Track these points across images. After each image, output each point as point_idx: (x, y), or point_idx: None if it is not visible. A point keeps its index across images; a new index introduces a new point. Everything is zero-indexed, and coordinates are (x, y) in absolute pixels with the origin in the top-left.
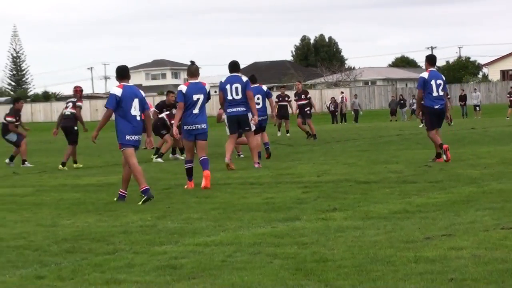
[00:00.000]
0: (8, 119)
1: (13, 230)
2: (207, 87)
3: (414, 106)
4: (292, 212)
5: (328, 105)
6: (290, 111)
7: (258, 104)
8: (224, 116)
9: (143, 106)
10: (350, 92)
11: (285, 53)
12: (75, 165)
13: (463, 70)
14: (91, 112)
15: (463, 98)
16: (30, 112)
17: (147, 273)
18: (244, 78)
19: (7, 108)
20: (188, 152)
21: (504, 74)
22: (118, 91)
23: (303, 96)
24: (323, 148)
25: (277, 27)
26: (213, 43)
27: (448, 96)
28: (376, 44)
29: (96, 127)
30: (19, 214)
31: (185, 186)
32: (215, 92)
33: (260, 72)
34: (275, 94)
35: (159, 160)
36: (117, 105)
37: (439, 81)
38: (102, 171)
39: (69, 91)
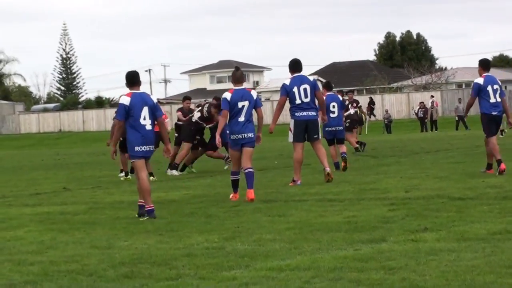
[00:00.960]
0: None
1: (65, 252)
2: (254, 93)
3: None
4: (377, 232)
5: (416, 111)
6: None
7: (333, 113)
8: (291, 121)
9: (155, 114)
10: (441, 95)
11: (367, 52)
12: (129, 176)
13: None
14: None
15: None
16: (82, 120)
17: None
18: (311, 78)
19: (56, 116)
20: (234, 163)
21: None
22: (126, 100)
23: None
24: (412, 159)
25: (358, 23)
26: (287, 41)
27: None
28: (471, 42)
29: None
30: (70, 235)
31: (230, 197)
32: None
33: (339, 74)
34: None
35: (174, 172)
36: (127, 114)
37: (495, 86)
38: (162, 186)
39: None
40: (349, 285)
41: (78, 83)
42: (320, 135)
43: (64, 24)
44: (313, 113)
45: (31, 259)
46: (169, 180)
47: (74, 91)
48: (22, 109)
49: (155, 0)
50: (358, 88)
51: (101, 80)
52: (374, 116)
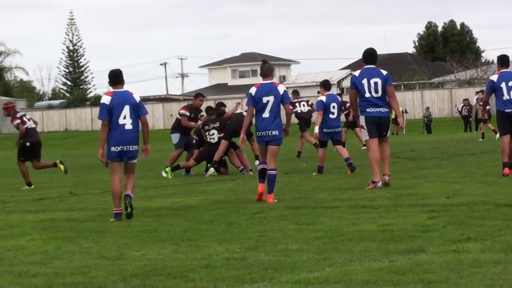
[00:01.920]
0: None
1: (71, 263)
2: (281, 88)
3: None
4: (415, 242)
5: (459, 109)
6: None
7: (333, 113)
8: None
9: (138, 112)
10: None
11: (406, 44)
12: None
13: None
14: (165, 117)
15: None
16: (90, 119)
17: None
18: (384, 72)
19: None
20: (261, 156)
21: None
22: (107, 99)
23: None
24: (454, 162)
25: (395, 12)
26: (316, 32)
27: None
28: None
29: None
30: (77, 244)
31: (259, 190)
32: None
33: None
34: None
35: (211, 171)
36: (110, 114)
37: (511, 83)
38: (179, 191)
39: (138, 92)
40: None
41: (86, 77)
42: (389, 132)
43: (71, 13)
44: (386, 109)
45: (33, 271)
46: (186, 184)
47: (81, 87)
48: (25, 106)
49: None
50: (395, 83)
51: None
52: None
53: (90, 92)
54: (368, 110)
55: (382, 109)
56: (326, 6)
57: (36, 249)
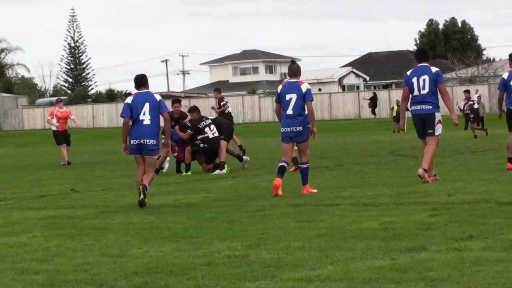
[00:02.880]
0: None
1: (72, 260)
2: (304, 86)
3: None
4: (417, 240)
5: (462, 106)
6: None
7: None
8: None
9: (159, 109)
10: (489, 89)
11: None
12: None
13: None
14: None
15: None
16: (92, 116)
17: None
18: (434, 69)
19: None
20: (284, 155)
21: None
22: (129, 99)
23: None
24: (455, 160)
25: (396, 9)
26: (317, 29)
27: None
28: None
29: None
30: (79, 241)
31: (274, 183)
32: (319, 90)
33: (376, 65)
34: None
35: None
36: (131, 112)
37: None
38: (180, 189)
39: None
40: None
41: (87, 74)
42: (435, 131)
43: (72, 9)
44: (429, 107)
45: (35, 268)
46: (188, 181)
47: (83, 84)
48: (26, 103)
49: None
50: (396, 81)
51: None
52: (375, 114)
53: (92, 89)
54: (412, 108)
55: (424, 106)
56: (327, 2)
57: (38, 246)
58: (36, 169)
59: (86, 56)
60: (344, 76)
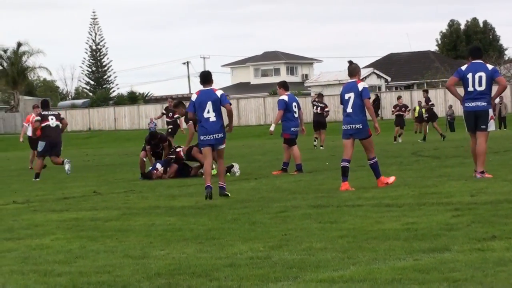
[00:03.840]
0: None
1: (95, 262)
2: (361, 85)
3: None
4: (440, 241)
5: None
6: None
7: (295, 113)
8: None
9: (222, 103)
10: (511, 90)
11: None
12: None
13: None
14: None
15: None
16: (113, 118)
17: None
18: (490, 66)
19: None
20: (344, 150)
21: None
22: (193, 97)
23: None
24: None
25: (418, 10)
26: (339, 30)
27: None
28: None
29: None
30: (101, 243)
31: (341, 188)
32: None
33: (397, 66)
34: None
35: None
36: (195, 108)
37: None
38: (202, 190)
39: (160, 91)
40: None
41: (109, 77)
42: (488, 127)
43: (93, 12)
44: (484, 103)
45: (58, 270)
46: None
47: (104, 86)
48: None
49: None
50: (418, 82)
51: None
52: (377, 115)
53: (113, 91)
54: (466, 104)
55: (479, 103)
56: (349, 4)
57: (60, 248)
58: (58, 171)
59: (108, 58)
60: (365, 77)
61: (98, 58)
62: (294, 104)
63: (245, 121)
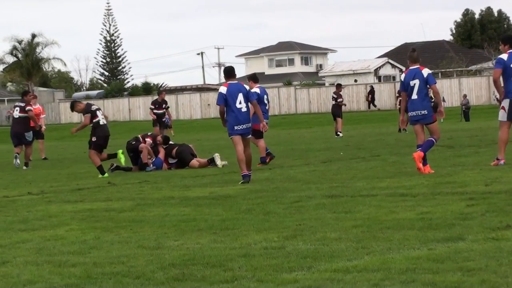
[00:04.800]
0: None
1: (110, 253)
2: (425, 71)
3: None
4: (454, 230)
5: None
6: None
7: (266, 105)
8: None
9: (249, 99)
10: None
11: (443, 32)
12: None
13: None
14: (202, 106)
15: None
16: (128, 109)
17: None
18: None
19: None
20: (416, 136)
21: None
22: (223, 89)
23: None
24: (493, 150)
25: None
26: (353, 20)
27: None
28: None
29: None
30: (116, 234)
31: (424, 171)
32: (355, 81)
33: None
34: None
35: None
36: (225, 101)
37: None
38: (217, 180)
39: (175, 82)
40: None
41: (123, 68)
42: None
43: (108, 3)
44: None
45: (73, 260)
46: (224, 173)
47: (119, 77)
48: (63, 97)
49: None
50: (432, 71)
51: (148, 64)
52: (375, 106)
53: (128, 82)
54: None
55: None
56: None
57: (75, 239)
58: (73, 162)
59: (122, 49)
60: (380, 67)
61: (113, 49)
62: (266, 97)
63: None
